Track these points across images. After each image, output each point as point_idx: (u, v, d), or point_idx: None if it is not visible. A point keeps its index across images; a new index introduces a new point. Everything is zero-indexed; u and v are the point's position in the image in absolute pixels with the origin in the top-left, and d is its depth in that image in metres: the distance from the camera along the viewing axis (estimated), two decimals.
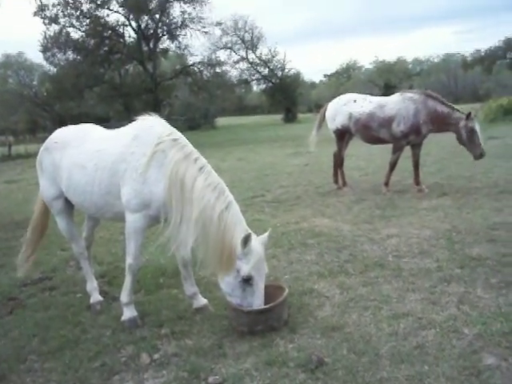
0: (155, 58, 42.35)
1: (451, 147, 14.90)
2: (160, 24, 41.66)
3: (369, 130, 9.47)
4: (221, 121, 54.58)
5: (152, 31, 41.80)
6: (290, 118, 49.66)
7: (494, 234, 6.23)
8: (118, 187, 4.29)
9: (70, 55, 39.40)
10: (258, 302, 3.95)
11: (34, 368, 3.91)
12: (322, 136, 10.81)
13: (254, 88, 64.93)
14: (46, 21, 37.56)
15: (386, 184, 9.45)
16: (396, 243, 6.21)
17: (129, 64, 43.58)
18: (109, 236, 7.77)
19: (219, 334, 4.13)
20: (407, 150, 9.45)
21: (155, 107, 36.07)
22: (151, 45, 42.15)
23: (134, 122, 4.56)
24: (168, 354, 3.88)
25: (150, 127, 4.37)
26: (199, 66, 44.95)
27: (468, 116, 8.56)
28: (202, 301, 4.65)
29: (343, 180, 10.25)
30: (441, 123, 8.87)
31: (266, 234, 4.11)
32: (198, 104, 49.53)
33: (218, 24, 45.12)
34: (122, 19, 40.66)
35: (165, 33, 42.47)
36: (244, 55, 53.93)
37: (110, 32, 40.43)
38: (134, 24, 41.10)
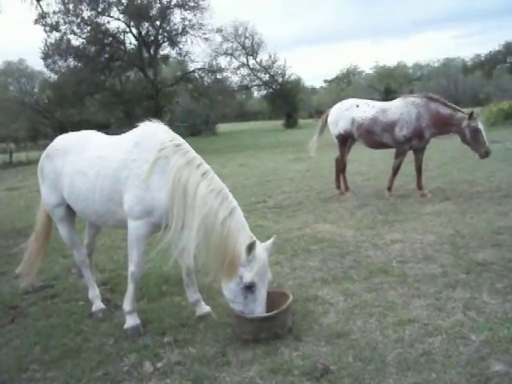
0: (156, 64, 42.44)
1: (453, 152, 14.95)
2: (161, 31, 41.80)
3: (372, 135, 9.44)
4: (222, 127, 54.62)
5: (153, 38, 41.92)
6: (291, 123, 49.67)
7: (499, 238, 6.19)
8: (120, 194, 4.25)
9: (71, 62, 39.55)
10: (259, 309, 3.91)
11: (35, 378, 3.87)
12: (322, 141, 10.79)
13: (255, 94, 65.08)
14: (47, 28, 37.70)
15: (389, 189, 9.41)
16: (400, 248, 6.16)
17: (129, 71, 43.67)
18: (110, 243, 7.73)
19: (223, 341, 4.08)
20: (410, 155, 9.41)
21: (156, 114, 36.04)
22: (152, 51, 42.25)
23: (135, 129, 4.52)
24: (171, 363, 3.83)
25: (152, 133, 4.34)
26: (200, 73, 45.07)
27: (470, 115, 8.54)
28: (205, 308, 4.60)
29: (345, 185, 10.20)
30: (443, 125, 8.83)
31: (271, 240, 4.07)
32: (199, 110, 49.60)
33: (219, 30, 45.37)
34: (123, 26, 40.86)
35: (165, 39, 42.61)
36: (244, 61, 54.06)
37: (110, 39, 40.55)
38: (134, 31, 41.28)
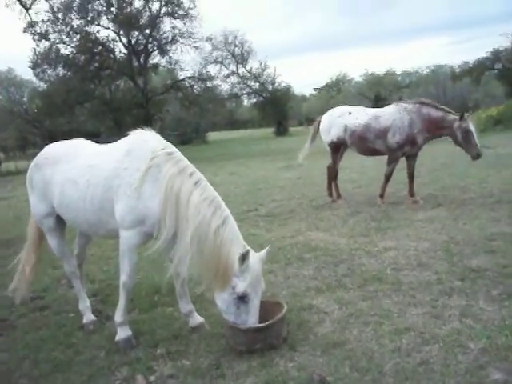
0: (146, 73, 42.38)
1: (444, 158, 15.01)
2: (150, 39, 41.79)
3: (365, 142, 9.42)
4: (212, 135, 54.63)
5: (142, 46, 41.89)
6: (281, 131, 49.79)
7: (493, 244, 6.16)
8: (112, 203, 4.18)
9: (60, 71, 39.36)
10: (252, 320, 3.83)
11: None
12: (314, 149, 10.75)
13: (245, 102, 65.24)
14: (36, 37, 37.55)
15: (381, 196, 9.39)
16: (394, 256, 6.12)
17: (119, 79, 43.54)
18: (101, 253, 7.62)
19: (216, 353, 4.00)
20: (401, 162, 9.40)
21: (146, 122, 35.68)
22: (142, 60, 42.22)
23: (127, 137, 4.45)
24: (164, 376, 3.74)
25: (144, 141, 4.27)
26: (190, 81, 45.05)
27: (462, 117, 8.56)
28: (198, 319, 4.52)
29: (337, 193, 10.16)
30: (436, 128, 8.84)
31: (264, 250, 3.99)
32: (189, 119, 49.59)
33: (209, 39, 45.39)
34: (113, 35, 40.79)
35: (155, 48, 42.61)
36: (234, 69, 54.21)
37: (100, 48, 40.45)
38: (124, 39, 41.23)
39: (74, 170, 4.49)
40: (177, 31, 41.48)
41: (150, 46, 42.16)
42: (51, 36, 37.87)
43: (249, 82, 55.26)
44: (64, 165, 4.60)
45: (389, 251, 6.32)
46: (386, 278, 5.34)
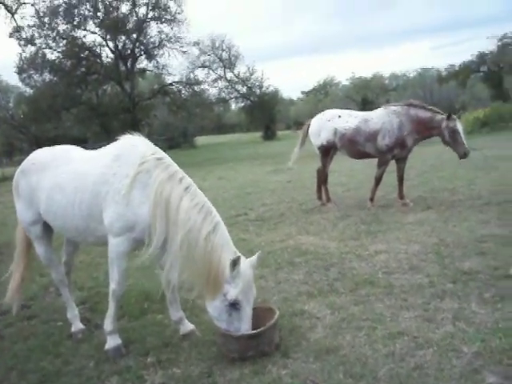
0: (133, 77, 42.17)
1: (433, 160, 15.08)
2: (137, 44, 41.58)
3: (355, 145, 9.42)
4: (200, 139, 54.53)
5: (129, 51, 41.68)
6: (269, 135, 49.80)
7: (483, 246, 6.17)
8: (100, 210, 4.10)
9: (47, 76, 39.06)
10: (245, 327, 3.77)
11: None
12: (303, 152, 10.73)
13: (233, 106, 65.15)
14: (22, 42, 37.23)
15: (371, 199, 9.39)
16: (385, 259, 6.09)
17: (106, 84, 43.27)
18: (89, 260, 7.51)
19: (208, 361, 3.94)
20: (391, 165, 9.40)
21: (134, 127, 35.43)
22: (129, 65, 41.99)
23: (115, 142, 4.39)
24: None
25: (133, 147, 4.21)
26: (177, 85, 44.91)
27: (449, 116, 8.63)
28: (188, 326, 4.45)
29: (327, 196, 10.14)
30: (425, 129, 8.90)
31: (255, 256, 3.94)
32: (177, 123, 49.42)
33: (196, 43, 45.31)
34: (99, 39, 40.52)
35: (142, 53, 42.40)
36: (222, 74, 54.12)
37: (86, 53, 40.17)
38: (111, 44, 40.98)
39: (62, 176, 4.41)
40: (164, 36, 41.37)
41: (137, 50, 41.96)
42: (37, 41, 37.59)
43: (236, 86, 55.22)
44: (51, 171, 4.52)
45: (380, 254, 6.30)
46: (377, 282, 5.32)
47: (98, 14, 38.93)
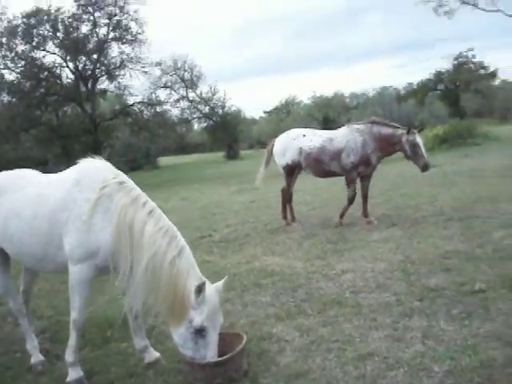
0: (94, 98, 41.67)
1: (394, 177, 15.25)
2: (98, 65, 41.17)
3: (320, 164, 9.44)
4: (163, 160, 54.09)
5: (90, 72, 41.20)
6: (232, 155, 49.78)
7: (448, 262, 6.21)
8: (60, 236, 3.94)
9: (5, 98, 38.32)
10: (210, 354, 3.64)
11: None
12: (267, 172, 10.69)
13: (195, 126, 64.92)
14: None
15: (341, 216, 9.38)
16: (351, 278, 6.06)
17: (67, 105, 42.68)
18: (49, 287, 7.21)
19: None
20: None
21: (95, 149, 35.29)
22: (89, 85, 41.50)
23: (75, 166, 4.25)
24: None
25: (93, 170, 4.08)
26: (139, 106, 44.58)
27: (409, 131, 8.78)
28: (153, 354, 4.30)
29: (292, 216, 10.11)
30: (388, 145, 9.04)
31: (222, 281, 3.84)
32: (140, 144, 48.91)
33: (158, 64, 45.11)
34: (59, 60, 39.98)
35: (103, 73, 41.98)
36: (184, 94, 53.98)
37: (46, 73, 39.55)
38: (71, 65, 40.43)
39: (20, 201, 4.24)
40: (125, 56, 41.03)
41: (97, 71, 41.53)
42: None
43: (199, 106, 55.15)
44: (8, 196, 4.34)
45: (346, 273, 6.27)
46: (345, 302, 5.27)
47: (58, 34, 38.45)
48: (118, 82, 42.11)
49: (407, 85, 67.88)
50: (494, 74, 57.12)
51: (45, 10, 36.97)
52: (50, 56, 39.56)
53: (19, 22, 36.50)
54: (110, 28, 40.08)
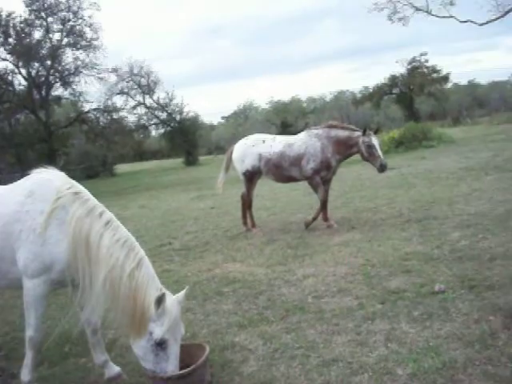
0: (48, 106, 40.82)
1: (352, 181, 15.39)
2: (52, 71, 40.37)
3: (280, 170, 9.42)
4: (121, 167, 53.34)
5: (44, 78, 40.37)
6: (191, 160, 49.47)
7: (407, 264, 6.25)
8: (13, 251, 3.78)
9: None
10: (171, 367, 3.54)
11: None
12: (227, 177, 10.63)
13: (153, 132, 64.25)
14: None
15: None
16: (313, 283, 6.04)
17: (20, 113, 41.65)
18: (3, 302, 6.95)
19: None
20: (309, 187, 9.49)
21: (50, 157, 34.61)
22: (43, 92, 40.65)
23: (28, 176, 4.10)
24: None
25: (47, 181, 3.94)
26: (95, 113, 43.90)
27: (364, 132, 8.85)
28: (114, 369, 4.16)
29: (252, 221, 10.05)
30: (345, 148, 9.08)
31: (183, 292, 3.74)
32: (96, 151, 48.12)
33: (114, 70, 44.48)
34: (11, 66, 39.05)
35: (57, 80, 41.18)
36: (141, 100, 53.38)
37: None
38: (23, 71, 39.58)
39: None
40: (80, 62, 40.45)
41: (51, 77, 40.72)
42: None
43: (156, 112, 54.64)
44: None
45: (308, 279, 6.25)
46: (307, 307, 5.24)
47: (10, 39, 37.60)
48: (73, 89, 41.45)
49: (363, 89, 69.07)
50: (446, 78, 58.48)
51: None
52: (2, 62, 38.65)
53: None
54: (64, 33, 39.42)
